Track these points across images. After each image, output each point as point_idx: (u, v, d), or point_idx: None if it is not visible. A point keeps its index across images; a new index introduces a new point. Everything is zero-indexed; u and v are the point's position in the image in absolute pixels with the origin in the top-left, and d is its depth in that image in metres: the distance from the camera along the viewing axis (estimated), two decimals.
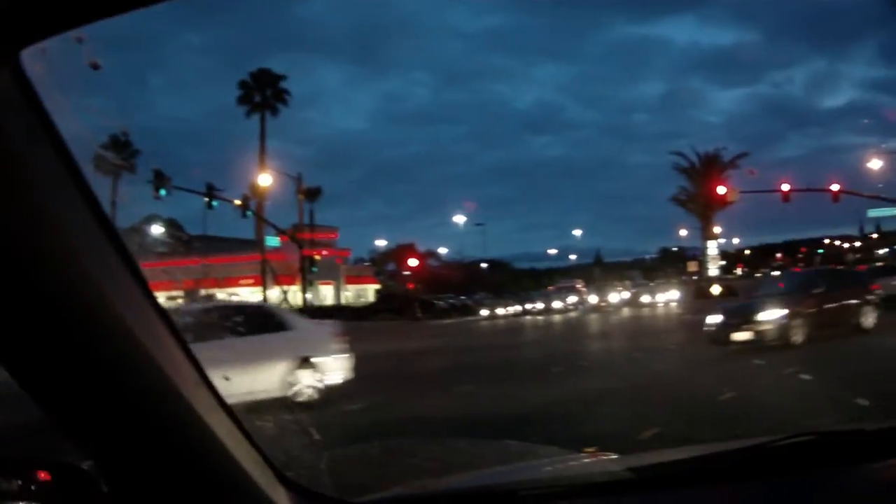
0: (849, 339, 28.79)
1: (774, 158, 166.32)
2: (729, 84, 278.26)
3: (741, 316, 29.64)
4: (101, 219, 2.07)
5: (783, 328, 28.38)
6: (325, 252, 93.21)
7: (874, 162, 70.84)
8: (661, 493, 3.08)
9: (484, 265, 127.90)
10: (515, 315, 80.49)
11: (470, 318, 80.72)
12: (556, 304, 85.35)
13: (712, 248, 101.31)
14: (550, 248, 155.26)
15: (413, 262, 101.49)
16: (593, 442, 11.88)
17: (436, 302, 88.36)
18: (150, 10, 2.08)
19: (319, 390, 20.49)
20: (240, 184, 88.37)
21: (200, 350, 2.57)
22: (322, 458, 5.49)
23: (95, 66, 2.72)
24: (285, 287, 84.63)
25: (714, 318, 30.55)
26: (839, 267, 63.05)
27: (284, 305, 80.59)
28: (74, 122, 2.10)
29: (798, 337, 28.41)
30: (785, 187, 65.96)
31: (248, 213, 73.42)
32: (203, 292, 79.45)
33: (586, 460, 4.49)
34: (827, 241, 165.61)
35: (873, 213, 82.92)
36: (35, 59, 1.91)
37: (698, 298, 71.81)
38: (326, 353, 21.27)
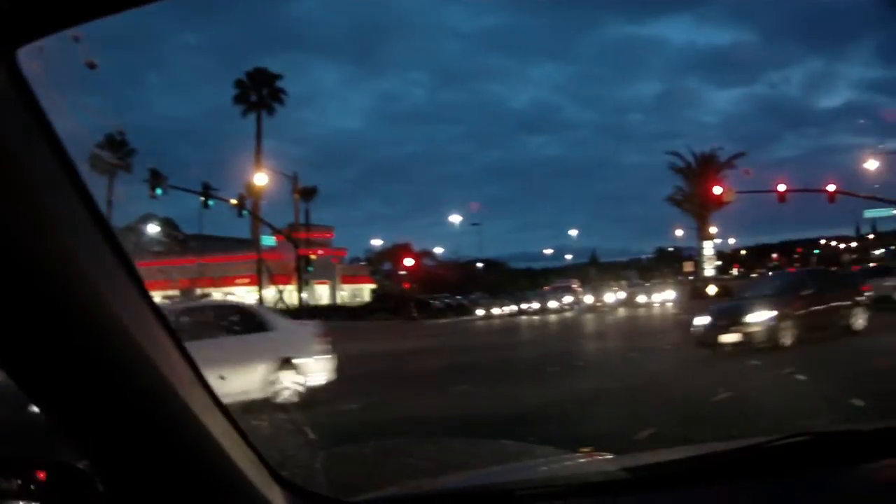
0: (838, 340, 28.71)
1: (771, 159, 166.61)
2: (725, 84, 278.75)
3: (729, 317, 29.38)
4: (97, 218, 2.06)
5: (772, 330, 28.13)
6: (320, 251, 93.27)
7: (871, 162, 71.01)
8: (656, 494, 3.08)
9: (480, 265, 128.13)
10: (511, 315, 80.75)
11: (466, 317, 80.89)
12: (552, 304, 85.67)
13: (708, 248, 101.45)
14: (546, 248, 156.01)
15: (409, 261, 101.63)
16: (589, 442, 11.85)
17: (431, 302, 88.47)
18: (146, 10, 2.08)
19: (301, 392, 20.35)
20: (236, 183, 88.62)
21: None
22: (317, 457, 5.49)
23: (92, 66, 2.72)
24: (281, 287, 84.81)
25: (701, 320, 30.38)
26: (832, 268, 63.14)
27: (280, 305, 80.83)
28: (71, 121, 2.10)
29: (787, 339, 28.17)
30: (781, 188, 66.05)
31: (244, 212, 73.59)
32: (199, 291, 79.60)
33: (582, 460, 4.49)
34: (823, 241, 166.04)
35: (869, 213, 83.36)
36: (32, 58, 1.91)
37: (694, 299, 71.96)
38: (308, 354, 21.13)
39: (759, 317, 28.41)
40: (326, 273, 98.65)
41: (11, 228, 1.86)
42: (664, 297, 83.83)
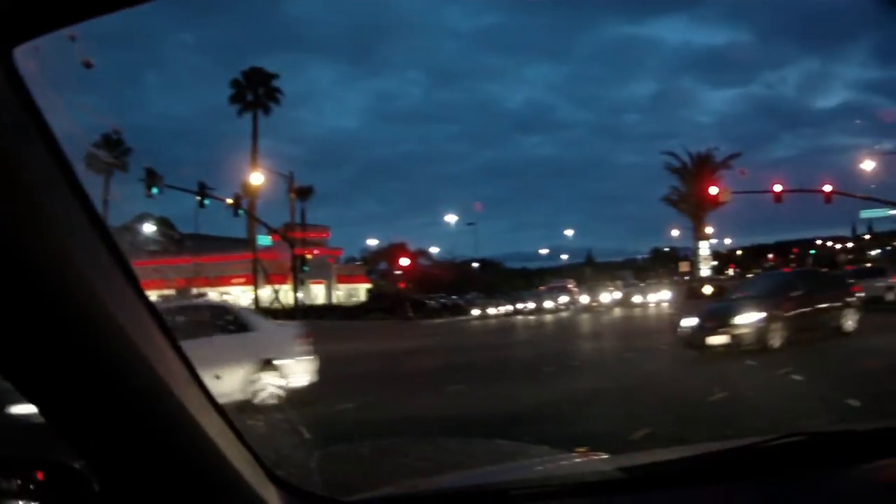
0: (829, 342, 28.56)
1: (767, 159, 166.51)
2: (721, 84, 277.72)
3: (717, 319, 29.06)
4: (93, 217, 2.07)
5: (760, 332, 27.85)
6: (316, 251, 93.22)
7: (867, 163, 71.03)
8: (652, 493, 3.08)
9: (475, 265, 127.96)
10: (507, 315, 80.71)
11: (461, 317, 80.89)
12: (548, 304, 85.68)
13: (704, 248, 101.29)
14: (542, 248, 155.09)
15: (404, 261, 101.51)
16: (585, 442, 11.89)
17: (427, 301, 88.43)
18: (142, 9, 2.08)
19: (281, 394, 20.01)
20: (232, 182, 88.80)
21: None
22: (313, 457, 5.50)
23: (88, 65, 2.73)
24: (277, 286, 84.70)
25: (689, 321, 30.20)
26: (829, 268, 63.10)
27: (276, 305, 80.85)
28: (67, 121, 2.10)
29: (776, 341, 27.88)
30: (777, 188, 66.07)
31: (240, 211, 73.57)
32: (195, 291, 79.60)
33: (577, 460, 4.50)
34: (819, 242, 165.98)
35: (865, 213, 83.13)
36: (28, 57, 1.91)
37: (690, 299, 71.88)
38: (290, 355, 20.89)
39: (748, 318, 28.18)
40: (322, 273, 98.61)
41: (7, 228, 1.86)
42: (660, 298, 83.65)
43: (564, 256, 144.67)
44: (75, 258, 1.99)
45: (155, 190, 57.52)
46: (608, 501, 3.07)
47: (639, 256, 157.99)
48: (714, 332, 28.19)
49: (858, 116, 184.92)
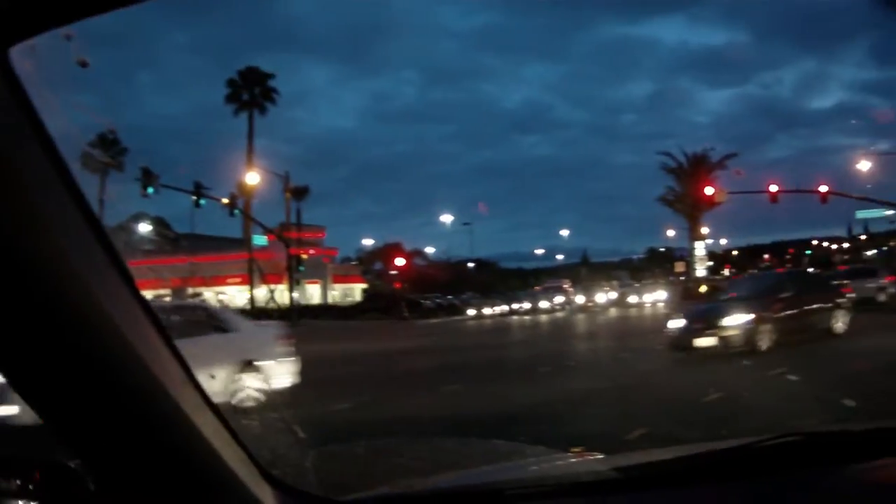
0: (818, 344, 28.24)
1: (763, 159, 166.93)
2: (718, 84, 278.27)
3: (705, 320, 28.59)
4: (88, 217, 2.07)
5: (749, 334, 27.40)
6: (312, 251, 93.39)
7: (863, 163, 71.23)
8: (647, 493, 3.08)
9: (471, 265, 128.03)
10: (502, 315, 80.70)
11: (457, 317, 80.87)
12: (543, 304, 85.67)
13: (700, 248, 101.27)
14: (537, 248, 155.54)
15: (400, 261, 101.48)
16: (580, 442, 11.90)
17: (423, 301, 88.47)
18: (138, 8, 2.08)
19: (261, 396, 19.40)
20: (227, 182, 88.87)
21: None
22: (308, 456, 5.49)
23: (84, 64, 2.74)
24: (272, 286, 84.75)
25: (676, 323, 29.93)
26: (824, 269, 63.09)
27: (271, 304, 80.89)
28: (63, 120, 2.10)
29: (764, 343, 27.46)
30: (773, 188, 66.20)
31: (236, 211, 73.59)
32: (190, 290, 79.62)
33: (573, 460, 4.49)
34: (815, 242, 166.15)
35: (861, 214, 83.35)
36: (24, 57, 1.91)
37: (686, 299, 71.89)
38: (271, 356, 20.50)
39: (736, 320, 27.76)
40: (318, 272, 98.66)
41: (3, 227, 1.86)
42: (655, 298, 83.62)
43: (560, 256, 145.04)
44: (71, 258, 1.99)
45: (150, 189, 57.61)
46: (603, 501, 3.07)
47: (634, 256, 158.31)
48: (701, 334, 27.85)
49: (854, 117, 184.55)
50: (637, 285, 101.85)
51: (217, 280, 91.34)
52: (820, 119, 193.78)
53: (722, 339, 27.29)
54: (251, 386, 19.42)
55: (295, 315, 73.19)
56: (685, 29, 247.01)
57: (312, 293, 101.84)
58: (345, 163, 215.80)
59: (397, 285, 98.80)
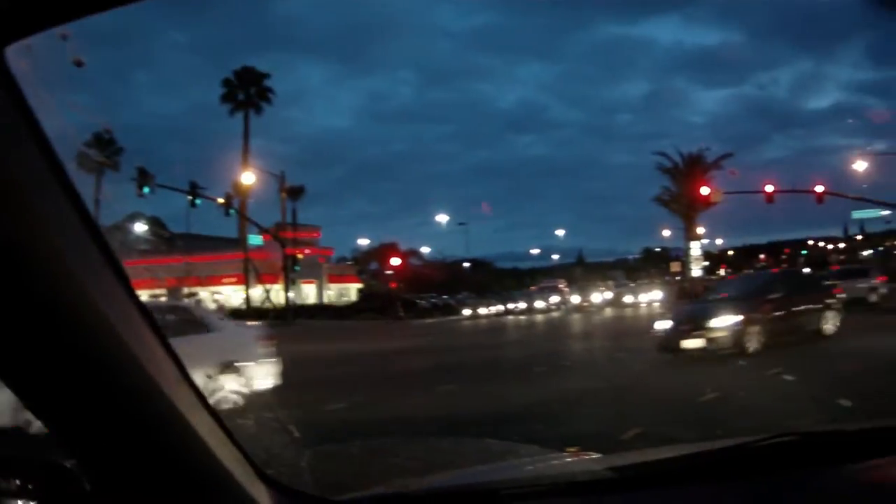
0: (808, 345, 27.94)
1: (759, 159, 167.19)
2: (713, 84, 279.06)
3: (692, 322, 28.20)
4: (84, 216, 2.07)
5: (737, 335, 26.94)
6: (307, 251, 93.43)
7: (859, 163, 71.27)
8: (642, 493, 3.08)
9: (466, 265, 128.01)
10: (498, 315, 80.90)
11: (452, 317, 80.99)
12: (539, 304, 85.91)
13: (695, 248, 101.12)
14: (533, 248, 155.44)
15: (395, 261, 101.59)
16: (575, 442, 11.88)
17: (418, 301, 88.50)
18: (134, 8, 2.08)
19: (244, 397, 18.80)
20: (223, 182, 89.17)
21: None
22: (303, 456, 5.50)
23: (79, 64, 2.74)
24: (268, 286, 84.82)
25: (663, 324, 29.69)
26: (818, 269, 63.01)
27: (267, 304, 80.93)
28: (59, 120, 2.10)
29: (753, 344, 27.05)
30: (769, 188, 66.25)
31: (231, 211, 73.63)
32: (186, 290, 79.63)
33: (568, 459, 4.50)
34: (811, 242, 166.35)
35: (857, 214, 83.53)
36: (19, 56, 1.91)
37: (681, 299, 71.90)
38: (252, 357, 20.04)
39: (724, 321, 27.31)
40: (313, 272, 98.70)
41: None
42: (651, 298, 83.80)
43: (555, 256, 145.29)
44: (66, 257, 1.99)
45: (146, 189, 57.66)
46: (599, 501, 3.07)
47: (630, 256, 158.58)
48: (688, 336, 27.41)
49: (851, 117, 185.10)
50: (632, 285, 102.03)
51: (213, 280, 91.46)
52: (816, 119, 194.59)
53: (710, 340, 26.96)
54: (231, 388, 18.88)
55: (290, 315, 73.32)
56: (680, 29, 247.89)
57: (308, 293, 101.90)
58: (340, 162, 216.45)
59: (393, 285, 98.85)
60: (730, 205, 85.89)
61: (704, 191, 74.06)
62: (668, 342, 28.14)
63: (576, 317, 69.65)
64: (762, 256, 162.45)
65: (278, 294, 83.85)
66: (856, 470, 3.05)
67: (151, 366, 2.23)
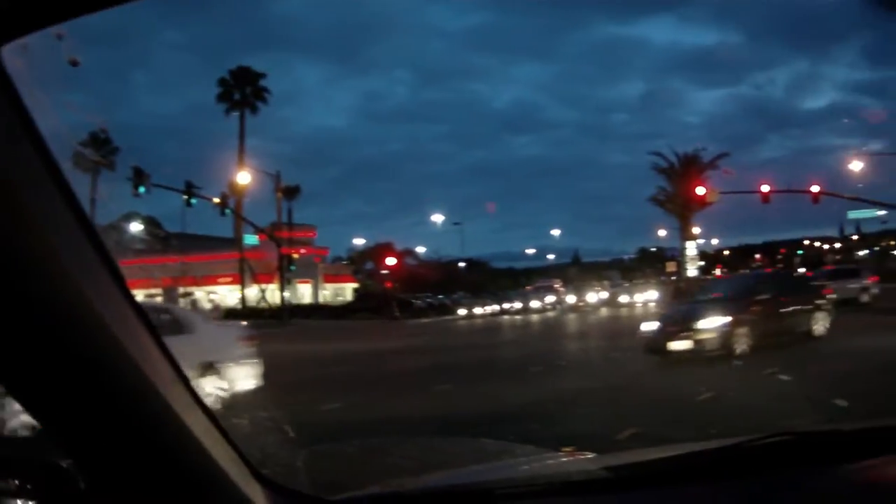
0: (797, 347, 27.59)
1: (755, 159, 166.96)
2: (709, 85, 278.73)
3: (679, 323, 27.98)
4: (79, 216, 2.07)
5: (725, 337, 26.61)
6: (303, 251, 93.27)
7: (855, 163, 71.31)
8: (638, 492, 3.08)
9: (462, 264, 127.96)
10: (493, 315, 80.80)
11: (448, 317, 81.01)
12: (534, 304, 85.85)
13: (691, 248, 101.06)
14: (528, 248, 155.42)
15: (391, 261, 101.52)
16: (571, 442, 11.85)
17: (414, 301, 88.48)
18: (130, 7, 2.08)
19: (224, 399, 18.53)
20: (219, 181, 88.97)
21: None
22: (299, 456, 5.49)
23: (75, 63, 2.73)
24: (263, 286, 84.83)
25: (649, 325, 29.54)
26: (804, 270, 62.98)
27: (262, 304, 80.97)
28: (54, 119, 2.10)
29: (742, 346, 26.63)
30: (765, 188, 66.28)
31: (227, 211, 73.62)
32: (181, 290, 79.59)
33: (563, 459, 4.50)
34: (807, 242, 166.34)
35: (853, 214, 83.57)
36: (15, 56, 1.91)
37: (676, 299, 71.88)
38: (232, 358, 19.84)
39: (711, 323, 26.98)
40: (309, 272, 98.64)
41: None
42: (647, 298, 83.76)
43: (551, 256, 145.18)
44: (62, 257, 1.99)
45: (142, 189, 57.67)
46: (594, 500, 3.07)
47: (626, 256, 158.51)
48: (675, 337, 27.03)
49: (847, 117, 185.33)
50: (628, 285, 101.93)
51: (208, 279, 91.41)
52: (812, 119, 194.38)
53: (697, 342, 26.60)
54: (211, 389, 18.56)
55: (286, 315, 73.28)
56: (676, 29, 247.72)
57: (303, 293, 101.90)
58: (336, 162, 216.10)
59: (388, 285, 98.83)
60: (726, 205, 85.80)
61: (700, 191, 74.04)
62: (655, 344, 27.83)
63: (571, 317, 69.68)
64: (758, 256, 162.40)
65: (274, 294, 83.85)
66: (851, 470, 3.05)
67: (147, 365, 2.23)
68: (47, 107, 2.05)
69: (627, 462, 3.41)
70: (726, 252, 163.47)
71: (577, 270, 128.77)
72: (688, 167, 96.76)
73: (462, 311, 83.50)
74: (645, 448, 4.42)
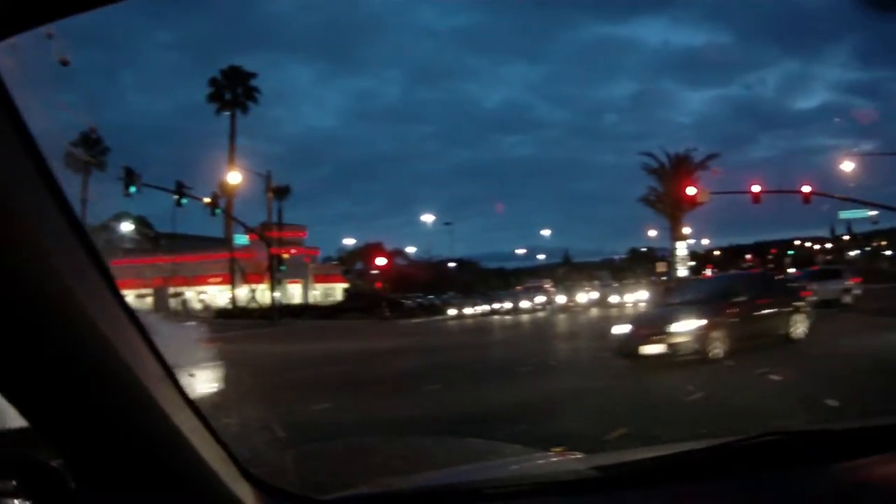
0: (776, 349, 26.79)
1: (746, 160, 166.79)
2: (700, 85, 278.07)
3: (651, 326, 27.18)
4: (70, 216, 2.07)
5: (700, 340, 25.78)
6: (293, 251, 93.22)
7: (846, 164, 71.43)
8: (627, 492, 3.09)
9: (452, 264, 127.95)
10: (483, 315, 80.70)
11: (438, 317, 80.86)
12: (525, 304, 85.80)
13: (681, 248, 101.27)
14: (519, 248, 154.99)
15: (381, 261, 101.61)
16: (560, 442, 11.87)
17: (404, 301, 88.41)
18: (120, 7, 2.09)
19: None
20: (209, 181, 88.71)
21: None
22: (288, 455, 5.50)
23: (65, 63, 2.74)
24: (254, 286, 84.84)
25: (621, 328, 28.89)
26: (794, 270, 62.94)
27: (253, 304, 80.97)
28: (45, 119, 2.10)
29: (717, 350, 25.83)
30: (755, 188, 66.35)
31: (217, 211, 73.58)
32: (172, 290, 79.57)
33: (552, 459, 4.51)
34: (798, 242, 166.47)
35: (844, 214, 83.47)
36: (5, 55, 1.91)
37: (666, 299, 71.81)
38: (190, 361, 17.54)
39: (685, 326, 26.13)
40: (299, 272, 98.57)
41: None
42: (637, 298, 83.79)
43: (541, 256, 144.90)
44: (52, 257, 2.00)
45: (133, 189, 57.67)
46: (583, 500, 3.07)
47: (616, 257, 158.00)
48: (648, 341, 26.18)
49: (838, 117, 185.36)
50: (618, 285, 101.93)
51: (198, 279, 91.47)
52: (803, 120, 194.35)
53: (670, 346, 25.85)
54: None
55: (276, 315, 73.23)
56: (668, 29, 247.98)
57: (294, 293, 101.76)
58: (326, 162, 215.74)
59: (378, 285, 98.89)
60: (716, 205, 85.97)
61: (690, 191, 74.04)
62: (626, 347, 27.19)
63: (561, 317, 69.69)
64: (749, 257, 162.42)
65: (264, 294, 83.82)
66: (841, 469, 3.06)
67: (137, 366, 2.24)
68: (38, 107, 2.05)
69: (616, 462, 3.42)
70: (717, 252, 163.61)
71: (567, 270, 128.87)
72: (678, 167, 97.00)
73: (452, 312, 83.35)
74: (634, 448, 4.44)
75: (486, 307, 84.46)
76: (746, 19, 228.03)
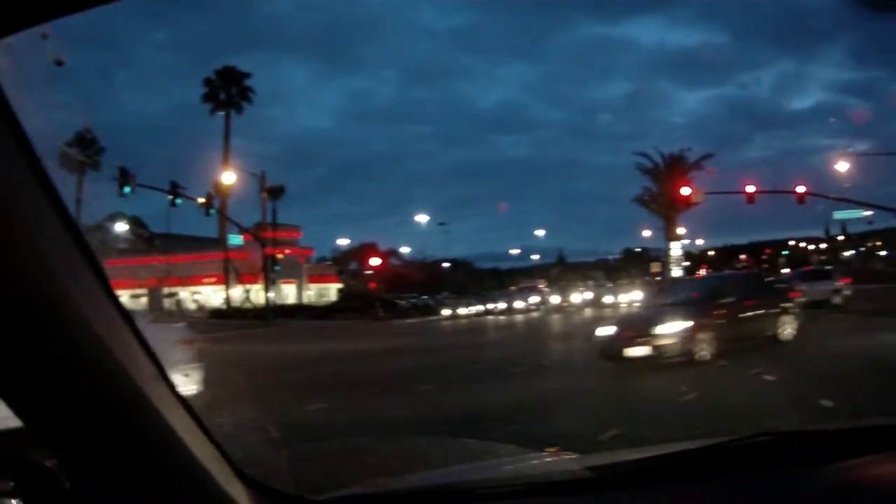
0: (766, 351, 26.41)
1: (740, 160, 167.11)
2: (695, 85, 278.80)
3: (636, 328, 26.67)
4: (64, 216, 2.07)
5: (685, 342, 25.25)
6: (287, 251, 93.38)
7: (841, 164, 71.46)
8: (620, 492, 3.09)
9: (446, 265, 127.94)
10: (477, 315, 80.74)
11: (432, 317, 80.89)
12: (519, 305, 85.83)
13: (676, 249, 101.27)
14: (513, 248, 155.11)
15: (375, 261, 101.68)
16: (554, 442, 11.87)
17: (398, 301, 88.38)
18: (115, 7, 2.09)
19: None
20: (204, 182, 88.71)
21: None
22: (282, 455, 5.50)
23: (60, 63, 2.74)
24: (248, 286, 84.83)
25: (605, 330, 28.28)
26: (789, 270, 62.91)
27: (247, 304, 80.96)
28: (39, 119, 2.10)
29: (704, 352, 25.33)
30: (750, 189, 66.35)
31: (212, 211, 73.41)
32: (166, 290, 79.56)
33: (546, 459, 4.51)
34: (792, 242, 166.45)
35: (839, 214, 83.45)
36: (0, 55, 1.91)
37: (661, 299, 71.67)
38: (170, 363, 18.12)
39: (671, 328, 25.60)
40: (293, 272, 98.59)
41: None
42: (631, 298, 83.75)
43: (535, 257, 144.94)
44: (46, 257, 2.00)
45: (127, 189, 57.56)
46: (576, 500, 3.07)
47: (610, 257, 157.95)
48: (632, 343, 25.65)
49: (833, 117, 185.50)
50: (612, 286, 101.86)
51: (193, 280, 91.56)
52: (798, 120, 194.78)
53: (655, 348, 25.28)
54: None
55: (270, 315, 73.21)
56: (663, 29, 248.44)
57: (288, 293, 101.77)
58: (321, 162, 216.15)
59: (372, 285, 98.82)
60: (711, 205, 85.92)
61: (685, 191, 74.04)
62: (610, 349, 26.59)
63: (555, 317, 69.57)
64: (743, 257, 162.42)
65: (258, 294, 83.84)
66: (834, 469, 3.06)
67: (130, 365, 2.24)
68: (32, 107, 2.05)
69: (610, 462, 3.42)
70: (711, 252, 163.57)
71: (561, 271, 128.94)
72: (673, 167, 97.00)
73: (446, 312, 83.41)
74: (628, 448, 4.44)
75: (481, 307, 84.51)
76: (742, 19, 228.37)
